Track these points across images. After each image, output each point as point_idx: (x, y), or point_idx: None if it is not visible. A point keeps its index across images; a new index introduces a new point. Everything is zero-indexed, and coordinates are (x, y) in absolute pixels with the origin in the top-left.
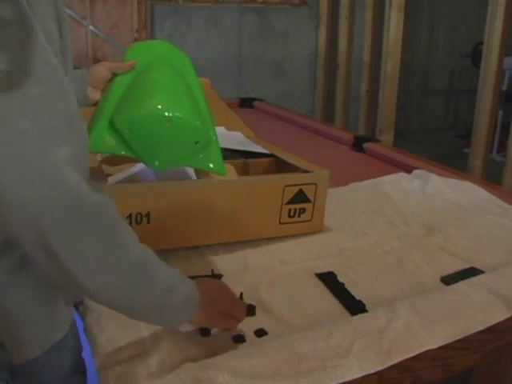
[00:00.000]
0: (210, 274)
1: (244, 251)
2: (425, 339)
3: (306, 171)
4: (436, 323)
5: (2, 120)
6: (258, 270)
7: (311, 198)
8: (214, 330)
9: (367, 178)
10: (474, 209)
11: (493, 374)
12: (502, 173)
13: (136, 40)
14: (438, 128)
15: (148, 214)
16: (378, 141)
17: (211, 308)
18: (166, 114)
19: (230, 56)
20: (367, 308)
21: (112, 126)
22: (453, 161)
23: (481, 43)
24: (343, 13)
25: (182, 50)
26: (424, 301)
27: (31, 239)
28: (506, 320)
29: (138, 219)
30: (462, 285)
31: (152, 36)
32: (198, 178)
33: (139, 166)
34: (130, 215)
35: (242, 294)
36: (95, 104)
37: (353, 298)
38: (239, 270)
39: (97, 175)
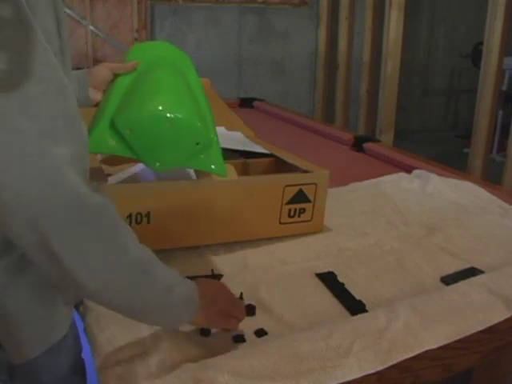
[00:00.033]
0: (209, 274)
1: (244, 251)
2: (425, 339)
3: (306, 171)
4: (436, 323)
5: (2, 120)
6: (257, 270)
7: (311, 198)
8: (214, 330)
9: (367, 178)
10: (473, 209)
11: (493, 374)
12: (501, 173)
13: (136, 40)
14: (438, 128)
15: (148, 214)
16: (378, 141)
17: (211, 308)
18: (167, 115)
19: (230, 56)
20: (367, 308)
21: (113, 126)
22: (453, 161)
23: (481, 43)
24: (343, 13)
25: (182, 50)
26: (424, 301)
27: (31, 239)
28: (506, 320)
29: (138, 219)
30: (461, 285)
31: (152, 36)
32: (198, 178)
33: (139, 166)
34: (129, 215)
35: (241, 294)
36: (96, 105)
37: (353, 297)
38: (239, 269)
39: (97, 175)
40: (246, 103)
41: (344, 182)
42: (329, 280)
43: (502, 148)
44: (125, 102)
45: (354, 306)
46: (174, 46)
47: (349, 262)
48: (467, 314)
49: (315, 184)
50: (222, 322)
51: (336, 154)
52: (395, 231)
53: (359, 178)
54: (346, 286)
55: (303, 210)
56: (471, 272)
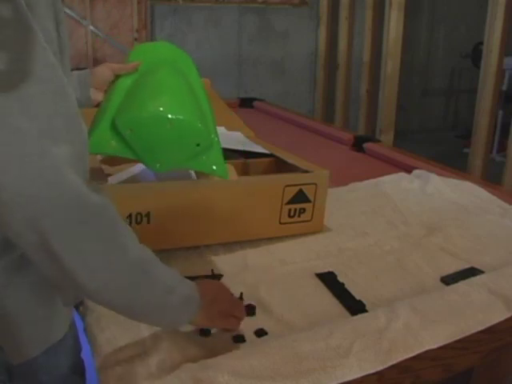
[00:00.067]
0: (210, 274)
1: (244, 251)
2: (425, 339)
3: (306, 171)
4: (436, 323)
5: (2, 120)
6: (258, 270)
7: (311, 198)
8: (214, 330)
9: (367, 178)
10: (474, 209)
11: (493, 374)
12: (501, 173)
13: (136, 40)
14: (438, 128)
15: (148, 214)
16: (378, 141)
17: (211, 308)
18: (168, 115)
19: (230, 56)
20: (367, 308)
21: (114, 127)
22: (453, 161)
23: (481, 43)
24: (343, 13)
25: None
26: (424, 301)
27: (31, 239)
28: (506, 320)
29: (138, 219)
30: (461, 285)
31: (152, 36)
32: (198, 178)
33: (139, 167)
34: (130, 215)
35: (242, 294)
36: (97, 105)
37: (353, 297)
38: (239, 269)
39: (97, 175)
40: (245, 103)
41: (344, 181)
42: (329, 280)
43: (502, 148)
44: (126, 103)
45: (354, 306)
46: (175, 47)
47: (349, 262)
48: (467, 314)
49: (315, 184)
50: (222, 322)
51: (336, 154)
52: (395, 231)
53: (359, 177)
54: (346, 286)
55: (303, 210)
56: (471, 272)
